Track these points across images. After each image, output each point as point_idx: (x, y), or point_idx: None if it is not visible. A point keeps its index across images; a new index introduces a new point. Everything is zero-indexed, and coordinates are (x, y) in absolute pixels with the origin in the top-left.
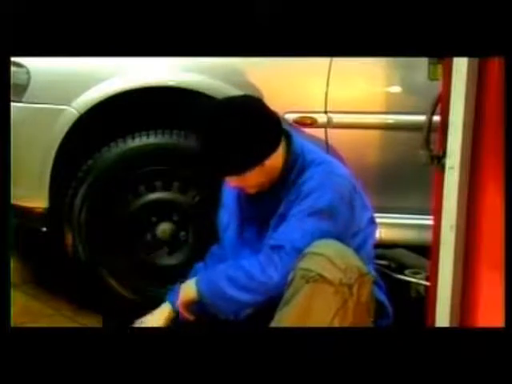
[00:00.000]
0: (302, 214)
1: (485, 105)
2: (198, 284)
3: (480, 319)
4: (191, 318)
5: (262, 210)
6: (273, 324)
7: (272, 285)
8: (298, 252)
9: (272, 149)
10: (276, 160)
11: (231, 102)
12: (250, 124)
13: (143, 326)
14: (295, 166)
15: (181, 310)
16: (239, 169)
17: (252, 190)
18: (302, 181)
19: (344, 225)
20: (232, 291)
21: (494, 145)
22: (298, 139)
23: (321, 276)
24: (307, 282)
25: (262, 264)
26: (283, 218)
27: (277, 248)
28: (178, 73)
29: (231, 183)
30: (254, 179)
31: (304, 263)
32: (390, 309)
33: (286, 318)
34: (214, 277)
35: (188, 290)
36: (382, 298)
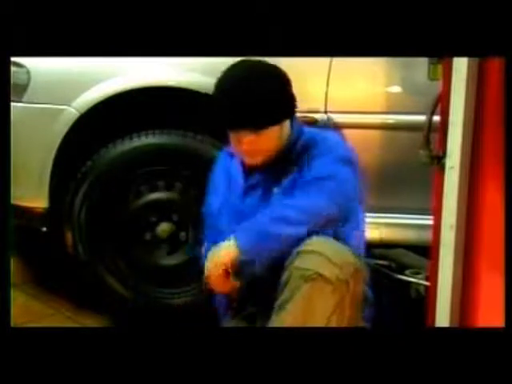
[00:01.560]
0: (315, 180)
1: (485, 105)
2: (237, 239)
3: (480, 319)
4: (237, 283)
5: (265, 181)
6: (271, 325)
7: (321, 208)
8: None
9: (294, 108)
10: (286, 128)
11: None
12: (282, 80)
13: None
14: (298, 142)
15: (224, 276)
16: (265, 121)
17: (257, 159)
18: (308, 154)
19: (354, 191)
20: (285, 229)
21: (494, 144)
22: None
23: (319, 274)
24: (306, 281)
25: (300, 194)
26: (288, 190)
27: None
28: (177, 73)
29: (242, 146)
30: (266, 142)
31: (300, 262)
32: (371, 295)
33: (285, 319)
34: (254, 226)
35: (228, 249)
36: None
